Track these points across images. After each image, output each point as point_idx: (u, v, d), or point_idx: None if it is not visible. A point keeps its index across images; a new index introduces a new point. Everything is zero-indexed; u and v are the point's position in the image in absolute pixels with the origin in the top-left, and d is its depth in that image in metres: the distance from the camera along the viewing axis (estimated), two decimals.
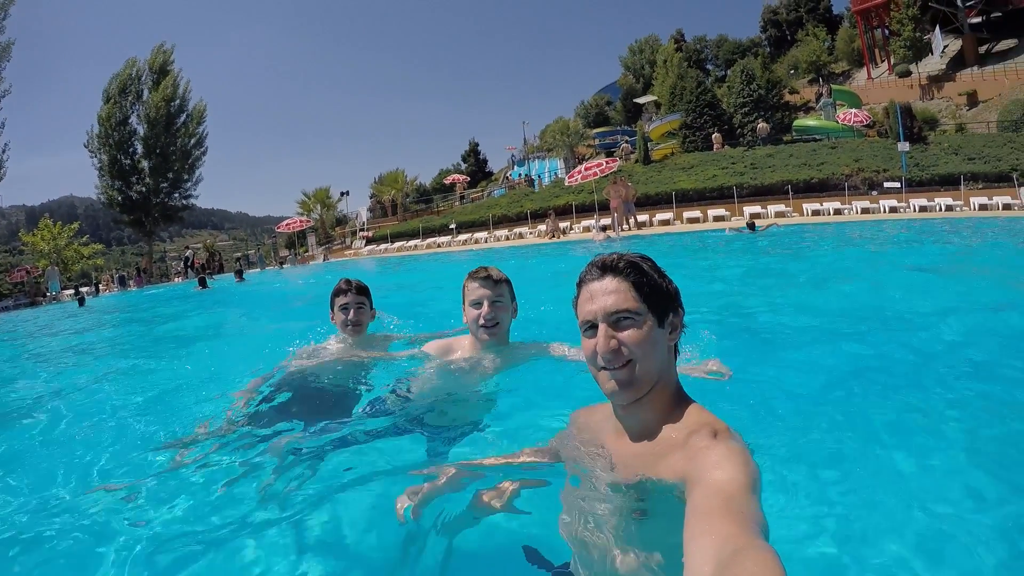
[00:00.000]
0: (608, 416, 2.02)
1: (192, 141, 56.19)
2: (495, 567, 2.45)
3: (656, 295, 1.86)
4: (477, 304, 3.53)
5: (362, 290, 4.37)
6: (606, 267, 1.88)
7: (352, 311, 4.29)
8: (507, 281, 3.64)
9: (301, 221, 48.90)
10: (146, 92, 54.16)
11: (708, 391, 2.66)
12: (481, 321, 3.52)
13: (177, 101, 55.05)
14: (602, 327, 1.82)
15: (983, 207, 28.57)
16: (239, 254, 57.75)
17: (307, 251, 47.72)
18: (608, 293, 1.84)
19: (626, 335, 1.81)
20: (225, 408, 3.95)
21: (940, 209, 29.02)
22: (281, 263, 40.55)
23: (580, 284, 1.94)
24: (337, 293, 4.35)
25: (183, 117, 55.58)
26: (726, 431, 1.69)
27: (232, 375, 5.27)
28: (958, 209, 28.91)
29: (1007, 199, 28.84)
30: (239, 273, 26.37)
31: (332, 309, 4.38)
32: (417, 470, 2.59)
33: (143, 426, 4.31)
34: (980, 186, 31.58)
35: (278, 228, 49.41)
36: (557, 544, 2.05)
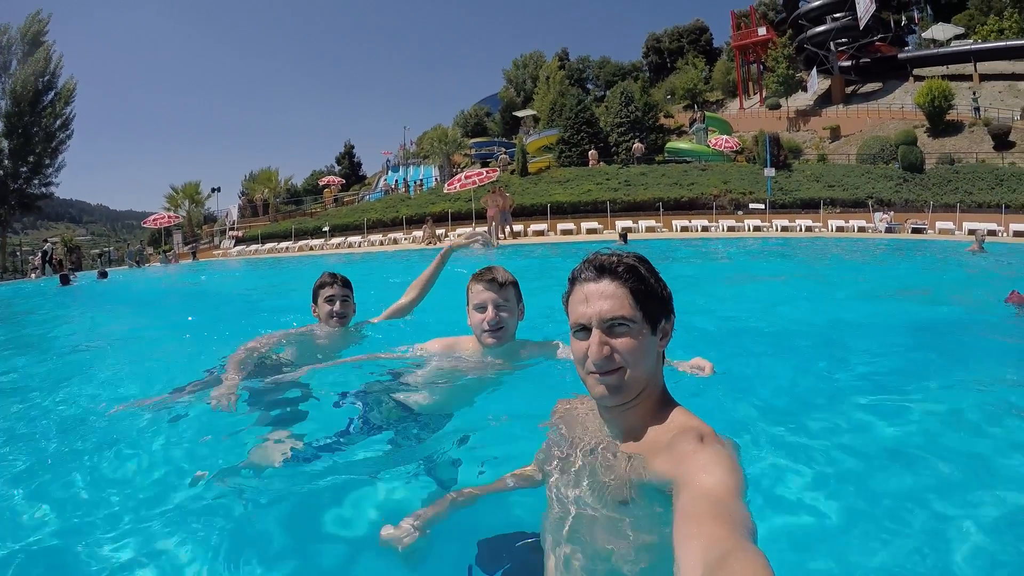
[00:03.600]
0: (592, 411, 2.02)
1: (58, 123, 49.82)
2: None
3: (652, 302, 1.82)
4: (481, 308, 3.37)
5: (346, 283, 4.45)
6: (603, 269, 1.81)
7: (338, 303, 4.36)
8: (514, 283, 3.47)
9: (170, 217, 44.63)
10: (14, 63, 48.09)
11: None
12: (485, 326, 3.35)
13: (47, 77, 49.07)
14: (596, 333, 1.78)
15: (840, 229, 31.05)
16: (97, 251, 53.52)
17: (171, 249, 44.37)
18: (604, 297, 1.78)
19: (620, 342, 1.77)
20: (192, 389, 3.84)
21: (801, 229, 31.13)
22: (139, 262, 36.85)
23: (573, 282, 1.88)
24: (322, 285, 4.41)
25: (51, 95, 49.36)
26: (712, 435, 1.66)
27: (125, 381, 4.91)
28: (817, 230, 31.24)
29: (862, 223, 31.46)
30: (103, 273, 23.87)
31: (315, 302, 4.43)
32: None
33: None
34: (838, 210, 33.95)
35: (145, 223, 45.19)
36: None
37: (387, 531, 2.12)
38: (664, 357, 1.93)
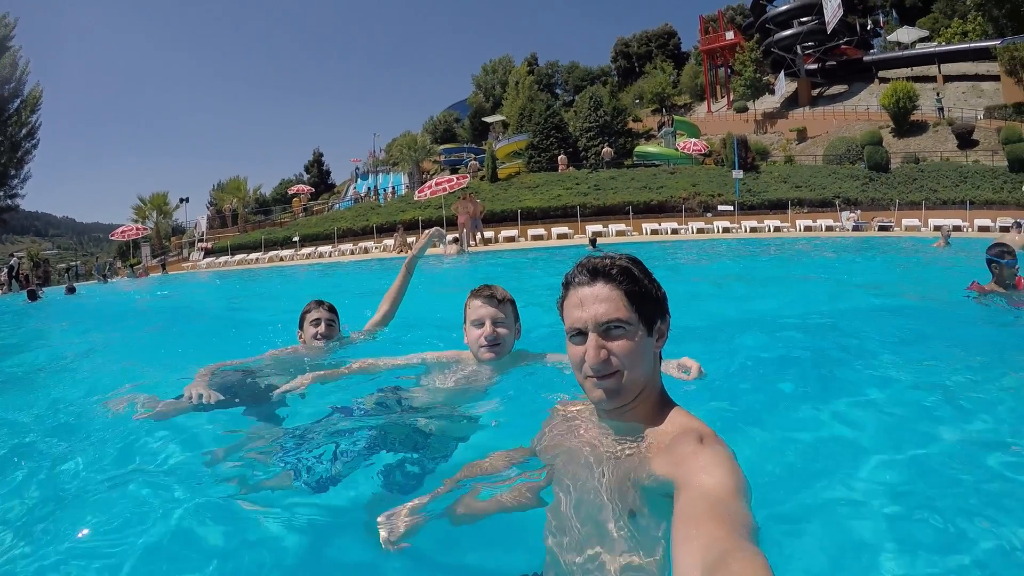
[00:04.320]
0: (591, 413, 2.00)
1: (23, 132, 47.85)
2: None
3: (647, 303, 1.81)
4: (479, 324, 3.38)
5: (332, 309, 4.55)
6: (597, 272, 1.80)
7: (323, 325, 4.43)
8: (511, 301, 3.50)
9: (138, 228, 44.00)
10: None
11: None
12: (483, 341, 3.36)
13: (12, 84, 47.15)
14: (592, 337, 1.77)
15: (808, 228, 31.42)
16: (64, 265, 52.32)
17: (139, 262, 43.30)
18: (599, 301, 1.77)
19: (616, 345, 1.76)
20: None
21: (769, 230, 31.56)
22: (105, 277, 35.58)
23: (567, 286, 1.87)
24: (308, 311, 4.50)
25: (16, 103, 47.44)
26: (712, 436, 1.66)
27: (100, 395, 4.51)
28: (785, 230, 31.63)
29: (829, 222, 31.96)
30: (71, 288, 23.07)
31: (301, 327, 4.51)
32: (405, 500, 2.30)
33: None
34: (806, 210, 34.40)
35: (113, 236, 44.21)
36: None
37: (384, 522, 2.14)
38: (661, 358, 1.93)
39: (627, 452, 1.79)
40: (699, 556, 1.24)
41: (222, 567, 2.30)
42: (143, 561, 2.29)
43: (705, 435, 1.64)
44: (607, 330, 1.76)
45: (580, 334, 1.80)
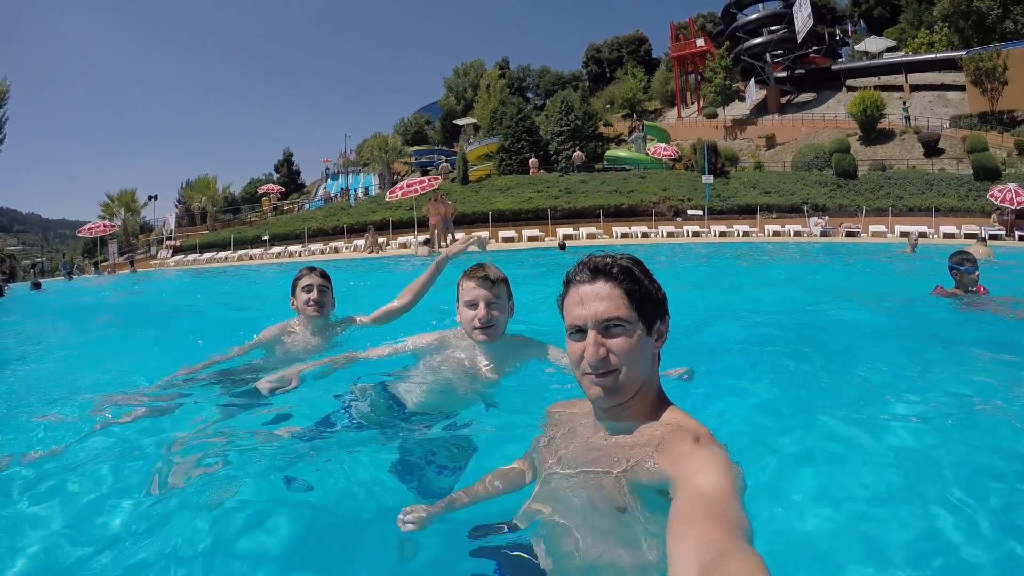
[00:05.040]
0: (587, 412, 2.00)
1: None
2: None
3: (647, 303, 1.82)
4: (472, 305, 3.32)
5: (325, 275, 4.46)
6: (598, 270, 1.81)
7: (315, 291, 4.34)
8: (505, 280, 3.43)
9: (106, 225, 43.02)
10: None
11: None
12: (476, 323, 3.30)
13: None
14: (592, 334, 1.77)
15: (776, 233, 31.67)
16: (29, 261, 51.24)
17: (105, 259, 42.42)
18: (600, 299, 1.78)
19: (615, 343, 1.76)
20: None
21: (738, 235, 31.74)
22: (69, 274, 34.60)
23: (568, 284, 1.87)
24: (300, 277, 4.41)
25: None
26: (707, 436, 1.67)
27: (79, 392, 4.51)
28: (754, 235, 31.87)
29: (798, 227, 32.19)
30: (36, 284, 22.39)
31: (293, 293, 4.42)
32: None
33: None
34: (774, 216, 34.67)
35: (80, 232, 43.48)
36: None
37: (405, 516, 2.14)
38: (659, 358, 1.93)
39: (623, 450, 1.78)
40: (695, 557, 1.24)
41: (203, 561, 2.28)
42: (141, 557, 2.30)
43: (701, 435, 1.65)
44: (607, 328, 1.77)
45: (580, 331, 1.80)
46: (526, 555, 1.96)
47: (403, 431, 3.16)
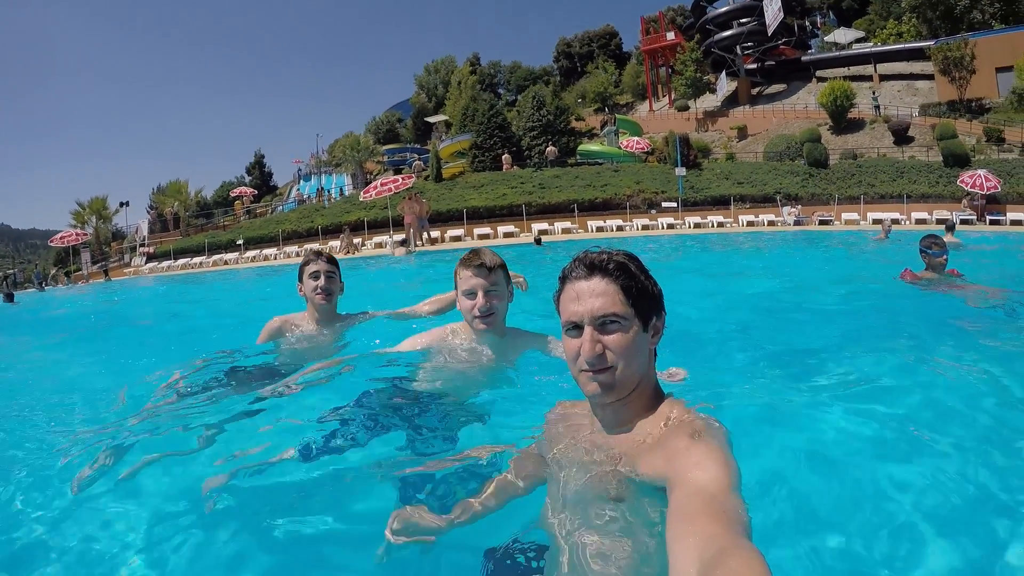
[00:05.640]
0: (587, 412, 2.00)
1: None
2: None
3: (643, 299, 1.82)
4: (470, 294, 3.29)
5: (332, 260, 4.39)
6: (594, 266, 1.81)
7: (323, 278, 4.27)
8: (502, 266, 3.38)
9: (77, 234, 42.49)
10: None
11: None
12: (476, 312, 3.28)
13: None
14: (588, 331, 1.78)
15: (750, 223, 31.71)
16: (0, 273, 50.25)
17: (78, 269, 41.63)
18: (596, 295, 1.78)
19: (611, 339, 1.77)
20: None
21: (712, 226, 31.63)
22: (41, 284, 33.69)
23: (564, 280, 1.88)
24: (306, 263, 4.34)
25: None
26: (705, 429, 1.65)
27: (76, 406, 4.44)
28: (728, 225, 31.86)
29: (771, 216, 32.39)
30: (9, 296, 21.81)
31: (301, 280, 4.35)
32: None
33: None
34: (748, 206, 34.80)
35: (52, 242, 42.65)
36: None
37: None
38: (656, 354, 1.93)
39: (621, 446, 1.80)
40: (696, 553, 1.23)
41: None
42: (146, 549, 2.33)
43: (698, 429, 1.64)
44: (603, 324, 1.77)
45: (576, 328, 1.80)
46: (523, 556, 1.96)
47: (411, 429, 3.11)
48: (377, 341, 4.19)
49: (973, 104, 43.59)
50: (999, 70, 44.47)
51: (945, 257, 7.06)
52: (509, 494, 2.25)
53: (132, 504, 2.69)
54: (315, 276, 4.28)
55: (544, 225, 33.04)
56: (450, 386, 3.38)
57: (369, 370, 3.63)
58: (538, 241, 22.91)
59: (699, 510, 1.34)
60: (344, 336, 4.41)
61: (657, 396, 1.90)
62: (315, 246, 34.38)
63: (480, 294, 3.27)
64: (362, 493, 2.75)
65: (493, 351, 3.43)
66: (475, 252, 3.37)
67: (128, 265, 41.75)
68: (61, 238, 40.71)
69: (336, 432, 3.07)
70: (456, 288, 3.39)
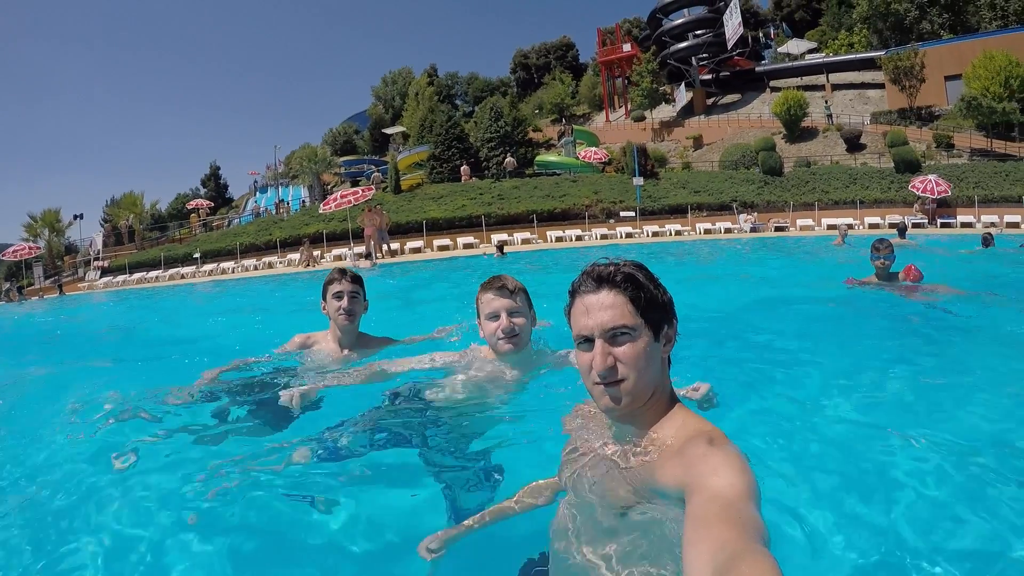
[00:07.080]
0: (603, 416, 2.00)
1: None
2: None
3: (652, 308, 1.82)
4: (494, 317, 3.33)
5: (356, 280, 4.35)
6: (602, 279, 1.82)
7: (346, 299, 4.25)
8: (523, 289, 3.44)
9: (31, 247, 41.50)
10: None
11: None
12: (500, 334, 3.30)
13: None
14: (599, 343, 1.78)
15: (707, 231, 32.05)
16: None
17: (32, 283, 40.43)
18: (605, 308, 1.79)
19: (622, 351, 1.77)
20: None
21: (670, 234, 31.87)
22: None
23: (574, 294, 1.89)
24: (330, 282, 4.31)
25: None
26: (722, 438, 1.66)
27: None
28: (686, 233, 32.14)
29: (728, 224, 32.62)
30: None
31: (324, 299, 4.33)
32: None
33: None
34: (704, 214, 35.03)
35: (4, 256, 41.67)
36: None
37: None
38: (670, 362, 1.93)
39: (636, 456, 1.79)
40: (709, 558, 1.24)
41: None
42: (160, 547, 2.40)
43: (715, 437, 1.63)
44: (613, 336, 1.77)
45: (587, 341, 1.80)
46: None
47: (431, 446, 3.18)
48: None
49: (923, 112, 44.59)
50: (948, 78, 45.67)
51: (884, 261, 7.32)
52: (545, 495, 2.32)
53: (143, 505, 2.75)
54: (338, 296, 4.25)
55: (504, 236, 32.66)
56: (473, 407, 3.39)
57: (387, 383, 3.68)
58: (500, 250, 22.90)
59: (715, 516, 1.34)
60: (364, 362, 4.28)
61: (673, 405, 1.89)
62: (274, 259, 34.09)
63: (504, 315, 3.30)
64: (372, 502, 2.79)
65: (517, 371, 3.42)
66: (496, 276, 3.41)
67: (82, 279, 40.49)
68: (14, 251, 39.72)
69: (351, 441, 3.16)
70: (479, 315, 3.42)
